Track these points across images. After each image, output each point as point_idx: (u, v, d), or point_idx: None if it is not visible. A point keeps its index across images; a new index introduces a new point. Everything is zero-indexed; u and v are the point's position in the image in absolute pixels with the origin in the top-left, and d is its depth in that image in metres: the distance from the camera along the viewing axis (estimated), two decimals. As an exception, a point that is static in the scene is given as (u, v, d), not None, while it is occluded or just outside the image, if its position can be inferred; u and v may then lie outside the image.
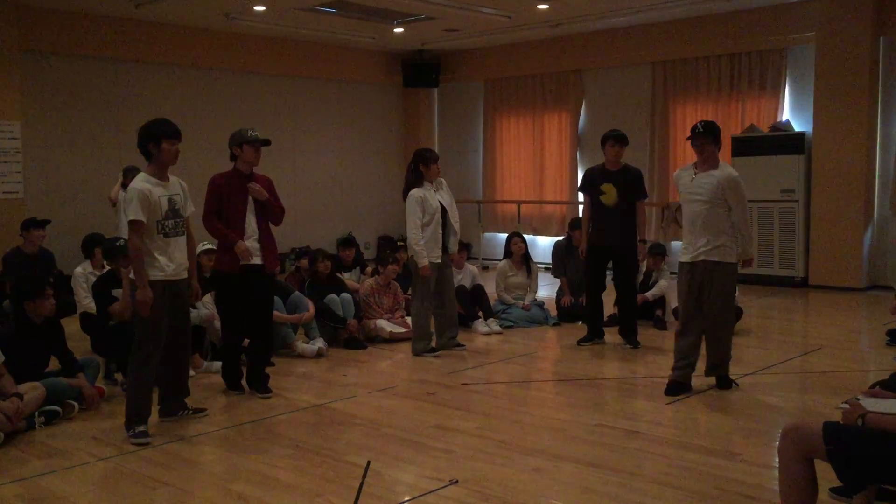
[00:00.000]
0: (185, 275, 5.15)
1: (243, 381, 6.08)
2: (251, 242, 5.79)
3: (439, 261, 7.12)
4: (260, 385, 5.98)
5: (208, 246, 7.76)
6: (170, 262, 5.00)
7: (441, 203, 7.10)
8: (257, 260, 5.83)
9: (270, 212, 5.96)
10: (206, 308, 6.81)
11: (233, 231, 5.75)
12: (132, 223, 4.86)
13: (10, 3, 10.04)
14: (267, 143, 5.92)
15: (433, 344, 7.24)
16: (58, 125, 10.94)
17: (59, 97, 10.93)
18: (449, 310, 7.29)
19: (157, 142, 4.98)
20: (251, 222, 5.83)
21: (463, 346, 7.32)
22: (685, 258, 5.77)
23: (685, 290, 5.75)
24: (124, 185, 9.18)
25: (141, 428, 4.93)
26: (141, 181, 4.98)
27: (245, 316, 5.94)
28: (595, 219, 7.42)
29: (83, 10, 10.75)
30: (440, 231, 7.09)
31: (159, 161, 5.02)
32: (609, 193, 7.28)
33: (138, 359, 4.99)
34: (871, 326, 8.30)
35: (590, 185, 7.44)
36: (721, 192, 5.63)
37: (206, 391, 6.06)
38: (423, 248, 6.97)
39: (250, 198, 5.83)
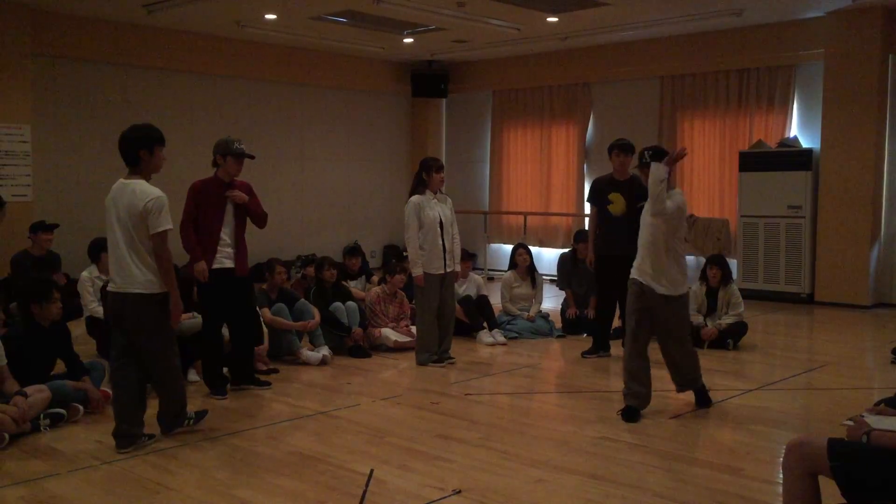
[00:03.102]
0: None
1: (229, 386, 6.21)
2: (226, 249, 5.99)
3: (441, 272, 7.13)
4: (247, 378, 6.29)
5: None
6: None
7: (441, 217, 7.13)
8: (229, 263, 6.03)
9: (253, 216, 6.17)
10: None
11: (204, 242, 5.92)
12: (164, 234, 4.71)
13: (22, 8, 10.10)
14: (251, 157, 6.13)
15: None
16: (68, 129, 10.99)
17: (70, 102, 10.99)
18: (446, 323, 7.29)
19: (151, 149, 4.82)
20: (229, 229, 6.02)
21: (453, 359, 7.27)
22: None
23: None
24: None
25: (192, 412, 5.12)
26: (154, 188, 4.79)
27: (226, 318, 6.19)
28: (602, 229, 7.43)
29: (95, 15, 10.81)
30: (440, 243, 7.10)
31: (150, 168, 4.86)
32: (617, 203, 7.30)
33: (171, 366, 4.96)
34: (877, 344, 8.28)
35: (598, 195, 7.47)
36: None
37: (210, 397, 6.07)
38: (419, 257, 7.01)
39: (229, 205, 6.02)
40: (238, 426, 5.36)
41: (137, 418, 4.90)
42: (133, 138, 4.80)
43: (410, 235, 7.05)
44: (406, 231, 7.09)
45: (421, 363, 7.16)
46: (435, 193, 7.17)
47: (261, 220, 6.23)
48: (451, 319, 7.34)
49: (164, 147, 4.88)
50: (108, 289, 4.96)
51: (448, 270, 7.18)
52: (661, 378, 6.68)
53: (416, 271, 7.04)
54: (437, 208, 7.13)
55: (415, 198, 7.10)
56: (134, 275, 4.72)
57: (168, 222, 4.71)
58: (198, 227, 5.95)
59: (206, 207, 5.96)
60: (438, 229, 7.09)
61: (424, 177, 7.13)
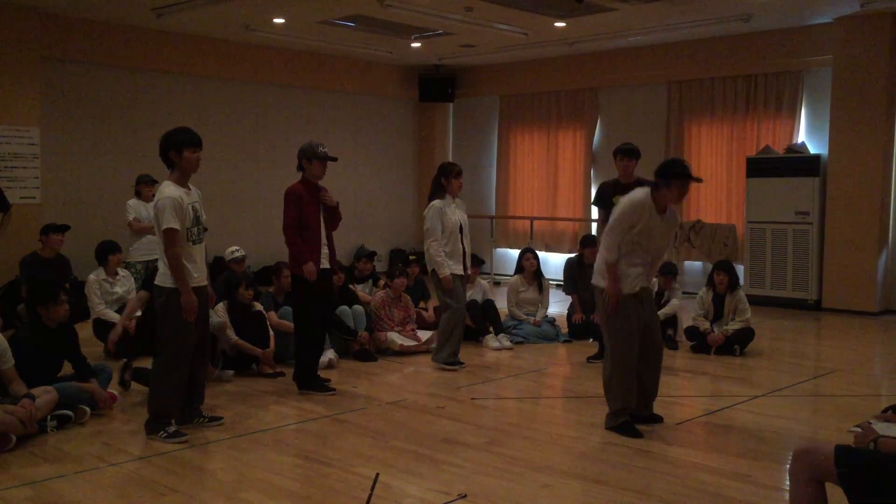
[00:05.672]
0: (206, 281, 5.27)
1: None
2: (323, 249, 6.20)
3: (460, 275, 7.16)
4: (321, 384, 6.36)
5: (238, 254, 8.03)
6: (197, 268, 5.11)
7: (460, 221, 7.15)
8: (325, 263, 6.23)
9: (337, 217, 6.37)
10: (217, 317, 6.84)
11: (309, 244, 6.09)
12: (169, 231, 4.94)
13: (32, 11, 10.15)
14: (334, 159, 6.31)
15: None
16: (76, 132, 11.03)
17: (79, 104, 11.03)
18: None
19: (179, 151, 5.07)
20: (322, 229, 6.22)
21: (462, 363, 7.28)
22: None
23: None
24: (137, 193, 9.25)
25: (172, 429, 5.05)
26: (170, 188, 5.03)
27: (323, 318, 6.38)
28: None
29: (104, 18, 10.86)
30: (461, 247, 7.13)
31: (181, 169, 5.11)
32: None
33: (164, 361, 5.10)
34: (884, 351, 8.26)
35: (603, 199, 7.46)
36: None
37: (217, 399, 6.08)
38: (444, 259, 7.02)
39: (321, 206, 6.23)
40: (244, 429, 5.37)
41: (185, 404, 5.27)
42: (162, 141, 5.12)
43: (434, 240, 7.03)
44: (429, 235, 7.05)
45: (437, 360, 7.16)
46: (454, 198, 7.19)
47: (338, 221, 6.40)
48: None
49: (195, 149, 5.12)
50: None
51: (465, 274, 7.23)
52: (666, 384, 6.69)
53: (444, 272, 7.02)
54: (457, 213, 7.16)
55: (437, 202, 7.11)
56: (160, 266, 5.12)
57: (168, 221, 4.92)
58: (300, 230, 6.11)
59: (307, 210, 6.11)
60: (459, 234, 7.12)
61: (443, 182, 7.14)
